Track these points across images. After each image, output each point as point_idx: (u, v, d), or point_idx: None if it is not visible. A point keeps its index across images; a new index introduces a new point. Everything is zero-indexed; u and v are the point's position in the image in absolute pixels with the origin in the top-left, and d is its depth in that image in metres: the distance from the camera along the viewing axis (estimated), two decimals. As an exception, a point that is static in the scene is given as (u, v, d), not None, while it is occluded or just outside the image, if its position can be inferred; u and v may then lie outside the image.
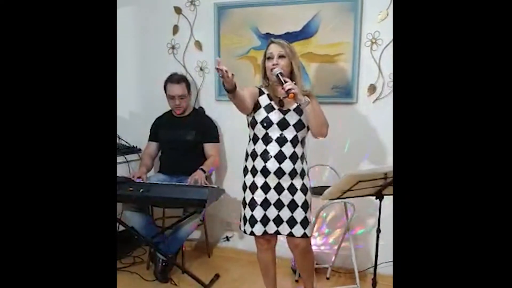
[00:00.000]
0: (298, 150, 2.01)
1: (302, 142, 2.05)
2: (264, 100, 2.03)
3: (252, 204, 2.04)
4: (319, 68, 2.65)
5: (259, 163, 2.01)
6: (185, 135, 2.82)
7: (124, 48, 2.95)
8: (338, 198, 1.89)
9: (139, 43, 3.16)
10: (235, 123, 2.59)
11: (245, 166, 2.09)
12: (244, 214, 2.09)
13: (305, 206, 2.03)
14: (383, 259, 2.17)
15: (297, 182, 2.02)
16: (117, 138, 3.05)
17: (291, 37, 2.60)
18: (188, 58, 3.02)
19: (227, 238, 3.11)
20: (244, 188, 2.09)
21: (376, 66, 2.53)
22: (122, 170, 2.78)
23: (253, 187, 2.04)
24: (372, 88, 2.57)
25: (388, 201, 1.68)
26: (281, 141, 1.98)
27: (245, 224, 2.08)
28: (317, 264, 2.65)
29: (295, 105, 1.99)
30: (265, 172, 2.00)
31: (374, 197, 1.89)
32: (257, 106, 2.01)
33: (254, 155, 2.03)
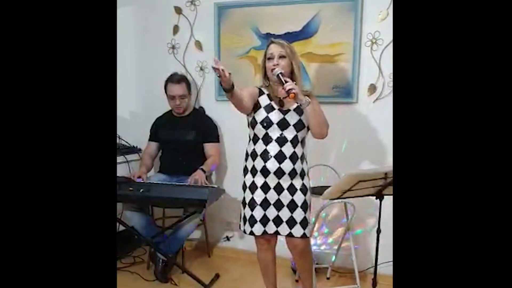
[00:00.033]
0: (298, 150, 2.01)
1: (302, 142, 2.05)
2: (264, 100, 2.02)
3: (252, 204, 2.04)
4: (319, 68, 2.65)
5: (259, 163, 2.01)
6: (185, 135, 2.82)
7: (124, 48, 2.95)
8: (338, 198, 1.89)
9: (139, 43, 3.16)
10: (235, 123, 2.58)
11: (245, 166, 2.09)
12: (244, 214, 2.09)
13: (305, 206, 2.03)
14: (384, 259, 2.17)
15: (297, 182, 2.02)
16: (117, 138, 3.05)
17: (291, 37, 2.60)
18: (188, 58, 3.02)
19: (227, 238, 3.11)
20: (244, 188, 2.09)
21: (376, 66, 2.53)
22: (122, 170, 2.77)
23: (253, 187, 2.04)
24: (372, 88, 2.56)
25: (388, 201, 1.68)
26: (281, 141, 1.98)
27: (244, 224, 2.08)
28: (317, 264, 2.65)
29: (295, 105, 1.99)
30: (265, 172, 2.00)
31: (374, 197, 1.89)
32: (257, 106, 2.01)
33: (254, 155, 2.03)
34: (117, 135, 3.04)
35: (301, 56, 2.40)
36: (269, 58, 1.99)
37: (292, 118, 1.99)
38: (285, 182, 2.01)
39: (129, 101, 3.19)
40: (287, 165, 1.98)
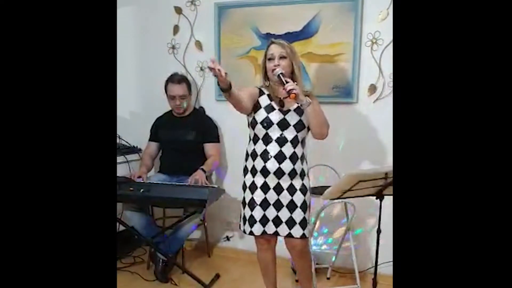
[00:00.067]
0: (298, 150, 2.01)
1: (302, 143, 2.04)
2: (264, 100, 2.02)
3: (252, 204, 2.04)
4: (320, 68, 2.65)
5: (259, 163, 2.01)
6: (185, 135, 2.82)
7: (124, 48, 2.95)
8: (339, 198, 1.89)
9: (139, 43, 3.16)
10: (235, 123, 2.58)
11: (245, 166, 2.09)
12: (244, 214, 2.09)
13: (304, 206, 2.03)
14: (384, 259, 2.17)
15: (297, 183, 2.02)
16: (118, 138, 3.06)
17: (291, 37, 2.60)
18: (189, 58, 3.02)
19: (227, 238, 3.11)
20: (244, 188, 2.09)
21: (376, 66, 2.53)
22: (122, 170, 2.78)
23: (253, 187, 2.04)
24: (372, 88, 2.56)
25: (388, 201, 1.68)
26: (281, 141, 1.98)
27: (244, 223, 2.09)
28: (317, 264, 2.65)
29: (295, 106, 1.99)
30: (264, 172, 2.00)
31: (375, 197, 1.89)
32: (257, 106, 2.01)
33: (254, 155, 2.03)
34: (117, 135, 3.04)
35: (301, 56, 2.40)
36: (269, 59, 1.98)
37: (292, 118, 1.99)
38: (285, 182, 2.01)
39: (129, 101, 3.19)
40: (287, 165, 1.98)
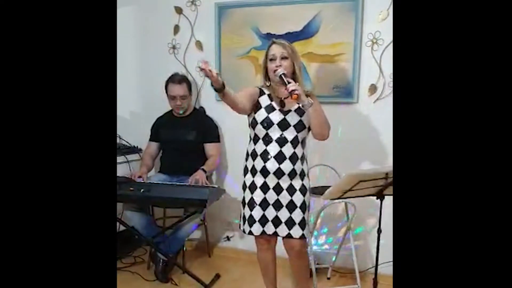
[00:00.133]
0: (298, 150, 2.01)
1: (303, 143, 2.04)
2: (264, 101, 2.02)
3: (251, 204, 2.04)
4: (320, 68, 2.64)
5: (259, 163, 2.01)
6: (185, 135, 2.82)
7: (125, 48, 2.95)
8: (339, 198, 1.89)
9: (140, 43, 3.16)
10: (235, 123, 2.58)
11: (245, 165, 2.09)
12: (244, 213, 2.09)
13: (304, 207, 2.03)
14: (384, 259, 2.17)
15: (296, 183, 2.02)
16: (118, 138, 3.06)
17: (291, 37, 2.60)
18: (189, 58, 3.02)
19: (228, 238, 3.11)
20: (244, 187, 2.09)
21: (377, 66, 2.53)
22: (123, 170, 2.78)
23: (253, 187, 2.04)
24: (373, 88, 2.56)
25: (389, 201, 1.68)
26: (282, 141, 1.98)
27: (244, 223, 2.09)
28: (317, 264, 2.65)
29: (296, 106, 1.99)
30: (264, 172, 2.00)
31: (375, 197, 1.89)
32: (257, 107, 2.01)
33: (254, 155, 2.03)
34: (118, 135, 3.05)
35: (301, 56, 2.39)
36: (271, 59, 1.98)
37: (293, 118, 1.99)
38: (285, 182, 2.00)
39: (129, 101, 3.19)
40: (286, 166, 1.98)
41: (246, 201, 2.07)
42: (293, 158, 1.99)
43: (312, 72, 2.65)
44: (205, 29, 2.93)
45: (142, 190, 2.40)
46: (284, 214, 2.02)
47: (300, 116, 1.99)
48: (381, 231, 1.93)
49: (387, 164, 2.47)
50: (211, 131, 2.87)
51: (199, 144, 2.83)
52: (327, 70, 2.63)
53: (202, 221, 2.92)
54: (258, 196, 2.03)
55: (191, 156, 2.79)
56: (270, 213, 2.03)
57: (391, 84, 2.49)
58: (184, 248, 2.83)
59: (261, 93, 2.04)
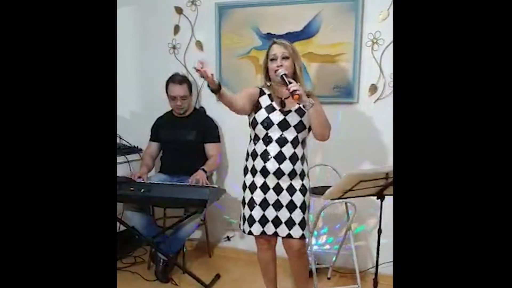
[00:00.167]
0: (299, 151, 2.01)
1: (303, 143, 2.04)
2: (265, 101, 2.02)
3: (251, 204, 2.04)
4: (320, 68, 2.64)
5: (259, 163, 2.01)
6: (186, 135, 2.82)
7: (125, 48, 2.95)
8: (339, 198, 1.89)
9: (140, 43, 3.16)
10: (235, 123, 2.58)
11: (245, 165, 2.09)
12: (244, 213, 2.09)
13: (303, 207, 2.03)
14: (385, 259, 2.17)
15: (296, 183, 2.02)
16: (118, 138, 3.06)
17: (292, 37, 2.60)
18: (189, 58, 3.02)
19: (228, 238, 3.11)
20: (244, 187, 2.09)
21: (377, 66, 2.53)
22: (123, 170, 2.78)
23: (253, 187, 2.04)
24: (373, 88, 2.56)
25: (389, 201, 1.68)
26: (282, 141, 1.98)
27: (244, 223, 2.09)
28: (317, 264, 2.65)
29: (296, 106, 1.99)
30: (264, 172, 2.00)
31: (375, 197, 1.89)
32: (257, 107, 2.01)
33: (254, 155, 2.03)
34: (118, 135, 3.05)
35: (302, 56, 2.39)
36: (272, 59, 1.97)
37: (293, 119, 1.99)
38: (285, 182, 2.00)
39: (129, 101, 3.19)
40: (286, 166, 1.98)
41: (246, 201, 2.07)
42: (293, 158, 1.99)
43: (312, 72, 2.65)
44: (205, 29, 2.93)
45: (142, 190, 2.40)
46: (284, 214, 2.02)
47: (301, 117, 1.99)
48: (381, 231, 1.93)
49: (387, 164, 2.47)
50: (211, 131, 2.87)
51: (200, 144, 2.83)
52: (328, 70, 2.62)
53: (202, 221, 2.92)
54: (258, 196, 2.03)
55: (191, 156, 2.80)
56: (270, 213, 2.03)
57: (391, 84, 2.49)
58: (184, 248, 2.83)
59: (262, 93, 2.04)
